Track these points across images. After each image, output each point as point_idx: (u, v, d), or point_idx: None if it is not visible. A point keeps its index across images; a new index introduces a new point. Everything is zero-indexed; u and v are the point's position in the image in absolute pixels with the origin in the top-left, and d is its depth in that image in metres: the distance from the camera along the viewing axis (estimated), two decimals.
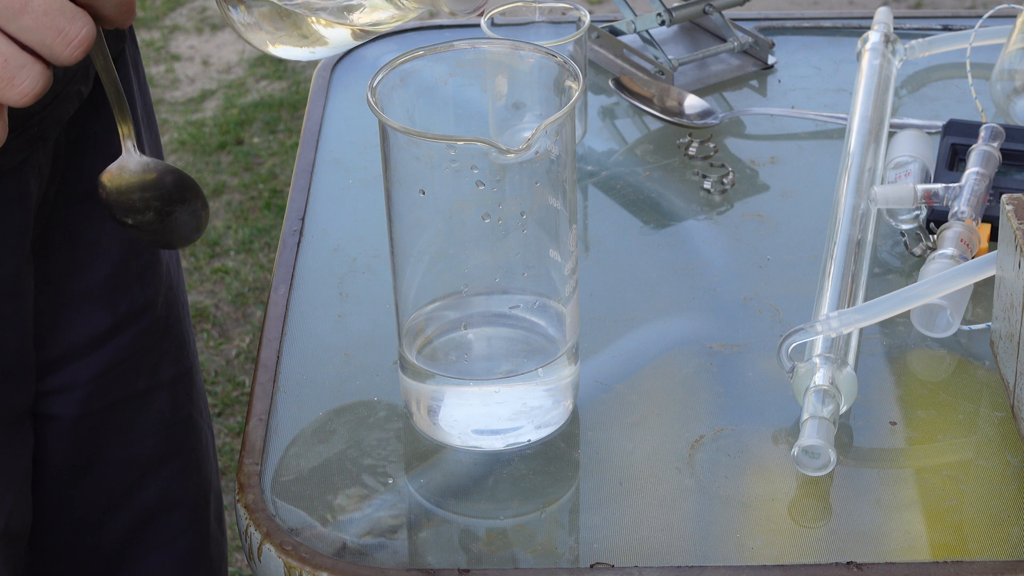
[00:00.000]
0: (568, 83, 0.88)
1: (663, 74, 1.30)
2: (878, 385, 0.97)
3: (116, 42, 1.05)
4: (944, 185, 1.07)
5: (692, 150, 1.22)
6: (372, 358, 1.00)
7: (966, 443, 0.93)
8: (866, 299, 1.01)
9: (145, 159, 0.85)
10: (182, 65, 3.45)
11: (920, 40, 1.31)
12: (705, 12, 1.33)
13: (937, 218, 1.08)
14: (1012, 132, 1.12)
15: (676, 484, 0.90)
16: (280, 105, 3.24)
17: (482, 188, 0.85)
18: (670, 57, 1.30)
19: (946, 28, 1.37)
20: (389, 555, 0.86)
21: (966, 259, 1.00)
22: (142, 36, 3.52)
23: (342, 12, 0.86)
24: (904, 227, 1.09)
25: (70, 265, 1.07)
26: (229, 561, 2.11)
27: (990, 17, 1.28)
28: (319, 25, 0.86)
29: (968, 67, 1.26)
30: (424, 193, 0.87)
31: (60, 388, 1.09)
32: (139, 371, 1.13)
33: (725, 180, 1.18)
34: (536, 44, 0.91)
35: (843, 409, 0.93)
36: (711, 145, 1.22)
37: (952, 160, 1.13)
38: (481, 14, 1.12)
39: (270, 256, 2.74)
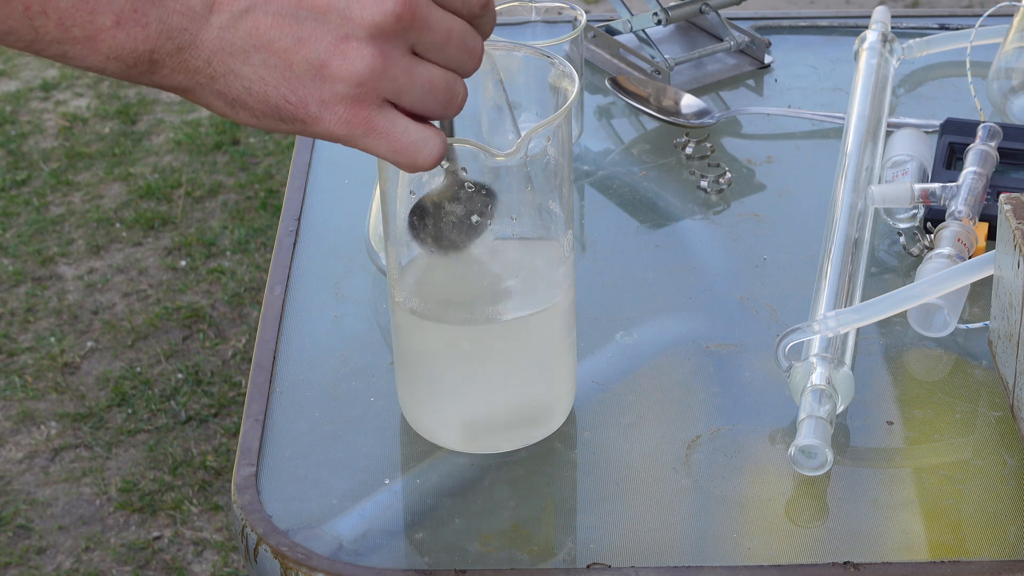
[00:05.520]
0: (564, 84, 0.88)
1: (659, 73, 1.30)
2: (875, 385, 0.97)
3: None
4: (941, 184, 1.07)
5: (689, 150, 1.22)
6: (368, 359, 0.99)
7: (963, 443, 0.93)
8: (863, 299, 1.01)
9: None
10: None
11: (918, 39, 1.31)
12: (701, 11, 1.33)
13: (934, 217, 1.08)
14: (1009, 131, 1.12)
15: (673, 484, 0.90)
16: None
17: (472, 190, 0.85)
18: (666, 56, 1.30)
19: (943, 27, 1.37)
20: (385, 555, 0.85)
21: (963, 258, 1.00)
22: None
23: None
24: (901, 226, 1.09)
25: None
26: (226, 562, 2.11)
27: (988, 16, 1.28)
28: None
29: (968, 66, 1.26)
30: (415, 195, 0.86)
31: None
32: None
33: (722, 180, 1.18)
34: (531, 45, 0.91)
35: (840, 409, 0.93)
36: (708, 145, 1.22)
37: (950, 159, 1.13)
38: None
39: (266, 256, 2.74)
